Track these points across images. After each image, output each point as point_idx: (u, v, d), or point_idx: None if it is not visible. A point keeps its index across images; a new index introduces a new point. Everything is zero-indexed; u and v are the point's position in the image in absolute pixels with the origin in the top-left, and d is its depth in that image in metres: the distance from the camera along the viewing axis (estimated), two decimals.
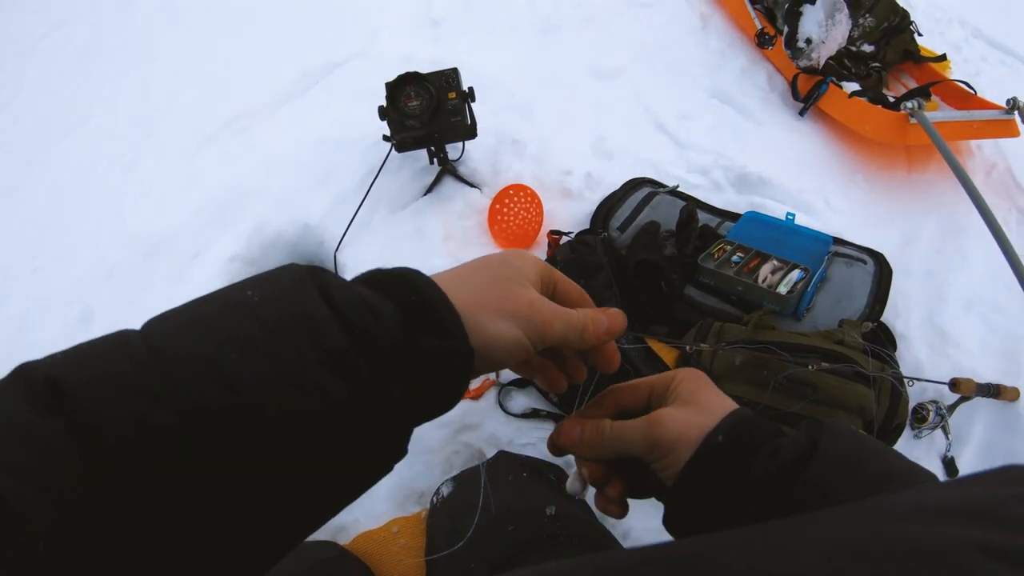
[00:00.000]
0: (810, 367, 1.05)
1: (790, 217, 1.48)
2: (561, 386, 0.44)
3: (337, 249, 1.57)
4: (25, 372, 0.26)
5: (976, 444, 1.39)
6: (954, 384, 1.34)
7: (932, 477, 0.35)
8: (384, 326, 0.30)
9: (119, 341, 0.27)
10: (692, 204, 1.34)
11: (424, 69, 1.48)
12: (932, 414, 1.38)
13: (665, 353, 1.22)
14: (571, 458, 0.47)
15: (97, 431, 0.24)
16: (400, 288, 0.32)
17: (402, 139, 1.50)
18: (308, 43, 2.24)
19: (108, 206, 1.86)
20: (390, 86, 1.48)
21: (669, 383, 0.43)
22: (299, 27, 2.38)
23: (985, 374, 1.41)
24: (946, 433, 1.38)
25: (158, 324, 0.29)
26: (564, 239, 1.41)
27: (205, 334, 0.27)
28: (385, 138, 1.53)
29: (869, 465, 0.35)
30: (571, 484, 0.45)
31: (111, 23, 2.65)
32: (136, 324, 0.29)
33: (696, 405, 0.41)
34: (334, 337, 0.28)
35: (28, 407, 0.24)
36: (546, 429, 1.25)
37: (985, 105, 1.93)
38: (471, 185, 1.61)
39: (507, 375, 1.33)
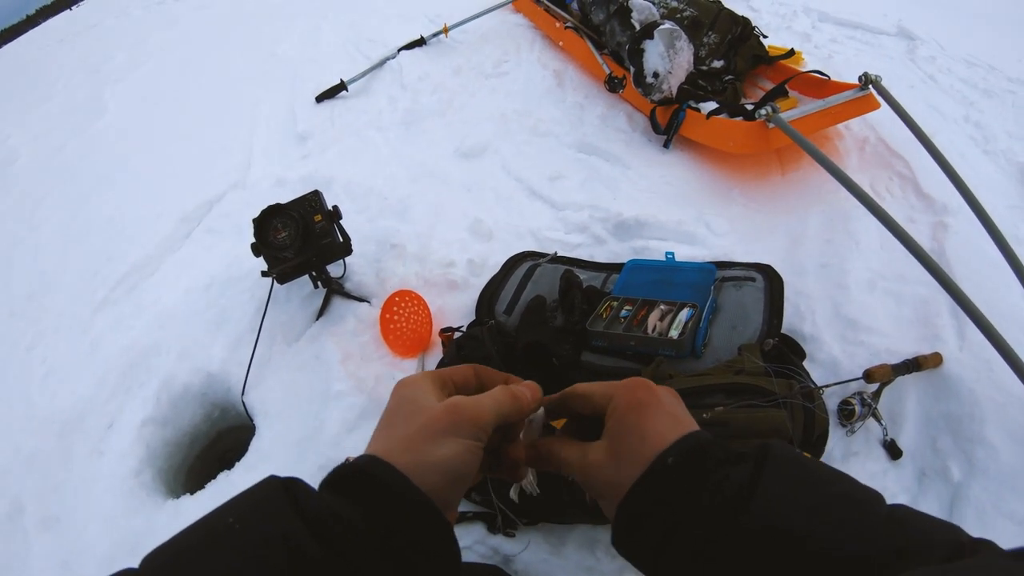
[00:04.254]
0: (704, 415, 1.04)
1: (669, 256, 1.49)
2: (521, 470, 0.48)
3: (243, 394, 1.54)
4: None
5: (913, 419, 1.39)
6: (868, 376, 1.35)
7: (880, 497, 0.36)
8: (352, 531, 0.34)
9: None
10: (568, 271, 1.34)
11: (297, 187, 1.49)
12: (858, 406, 1.38)
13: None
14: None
15: None
16: (359, 485, 0.36)
17: (281, 271, 1.49)
18: (184, 184, 2.24)
19: (16, 391, 1.81)
20: (256, 223, 1.48)
21: (605, 407, 0.44)
22: (174, 169, 2.39)
23: (904, 348, 1.41)
24: (878, 420, 1.38)
25: (151, 561, 0.32)
26: (456, 335, 1.40)
27: (193, 570, 0.31)
28: (264, 274, 1.51)
29: (821, 488, 0.35)
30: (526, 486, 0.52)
31: None
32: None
33: (620, 450, 0.41)
34: (310, 551, 0.32)
35: None
36: (475, 531, 1.22)
37: (841, 88, 1.97)
38: (360, 300, 1.60)
39: None
